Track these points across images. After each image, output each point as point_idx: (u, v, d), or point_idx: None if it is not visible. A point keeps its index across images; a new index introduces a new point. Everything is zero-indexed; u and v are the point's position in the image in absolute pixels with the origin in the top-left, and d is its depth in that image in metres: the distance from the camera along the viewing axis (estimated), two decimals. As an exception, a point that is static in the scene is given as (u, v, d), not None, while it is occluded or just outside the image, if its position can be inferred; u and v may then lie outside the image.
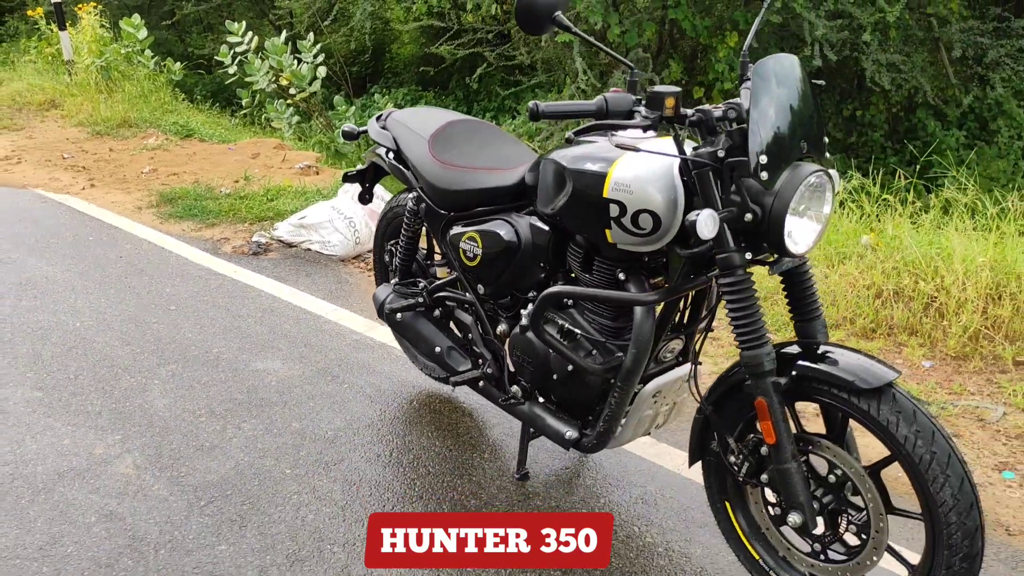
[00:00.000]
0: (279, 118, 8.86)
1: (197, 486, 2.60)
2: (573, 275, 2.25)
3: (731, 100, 1.85)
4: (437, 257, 2.95)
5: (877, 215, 3.87)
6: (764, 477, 1.96)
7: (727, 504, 2.13)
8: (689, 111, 1.82)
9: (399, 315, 2.72)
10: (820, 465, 1.92)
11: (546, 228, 2.27)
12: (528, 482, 2.60)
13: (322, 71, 8.67)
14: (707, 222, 1.73)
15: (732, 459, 2.01)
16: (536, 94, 9.79)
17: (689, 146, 1.88)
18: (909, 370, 3.06)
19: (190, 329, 3.70)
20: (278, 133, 8.70)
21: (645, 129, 1.82)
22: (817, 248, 3.72)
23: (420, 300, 2.71)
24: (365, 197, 3.08)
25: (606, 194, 1.97)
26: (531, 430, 2.54)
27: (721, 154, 1.80)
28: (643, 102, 1.82)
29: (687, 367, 2.22)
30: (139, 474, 2.66)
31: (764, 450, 1.94)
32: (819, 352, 1.87)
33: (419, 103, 11.81)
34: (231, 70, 9.00)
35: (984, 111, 10.50)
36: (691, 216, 1.74)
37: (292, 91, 8.77)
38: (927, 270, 3.32)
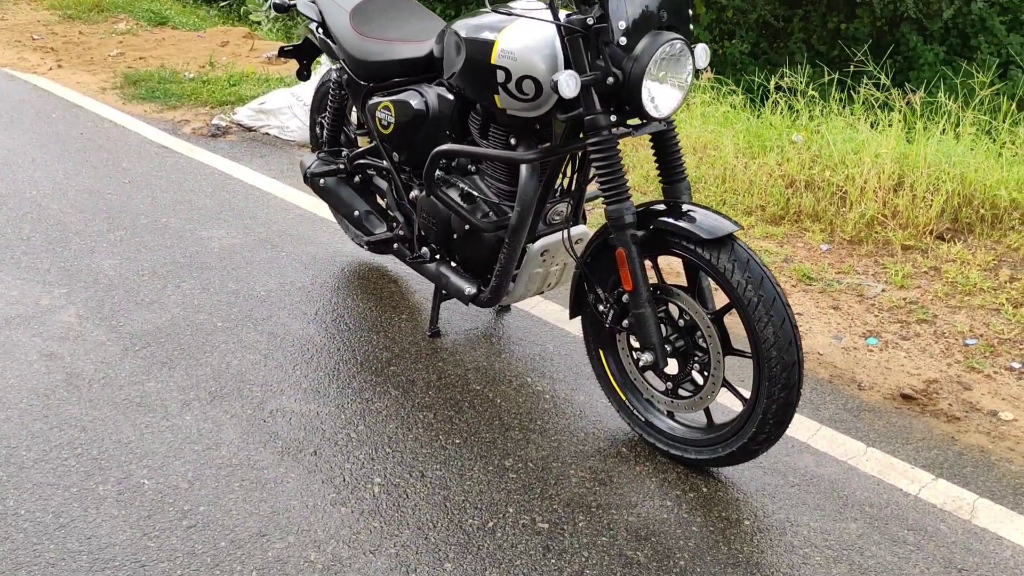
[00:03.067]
0: (257, 11, 8.81)
1: (133, 334, 2.81)
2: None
3: (609, -25, 1.99)
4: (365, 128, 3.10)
5: (807, 114, 4.02)
6: (626, 323, 2.18)
7: (601, 352, 2.36)
8: (564, -20, 1.96)
9: (322, 180, 2.89)
10: (676, 314, 2.13)
11: (451, 97, 2.43)
12: (439, 339, 2.82)
13: (301, -37, 8.57)
14: (568, 81, 1.89)
15: (602, 308, 2.23)
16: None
17: (566, 15, 2.02)
18: (807, 252, 3.27)
19: (142, 200, 3.87)
20: (256, 27, 8.67)
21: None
22: (744, 140, 3.89)
23: (341, 167, 2.88)
24: (302, 73, 3.21)
25: (493, 60, 2.12)
26: (443, 292, 2.75)
27: (591, 22, 1.95)
28: (519, -31, 1.96)
29: (575, 229, 2.42)
30: (80, 322, 2.87)
31: (626, 298, 2.14)
32: (679, 210, 2.06)
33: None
34: (208, -42, 8.89)
35: (967, 27, 10.46)
36: (555, 76, 1.90)
37: (271, -18, 8.70)
38: (839, 163, 3.49)
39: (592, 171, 2.34)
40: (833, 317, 2.89)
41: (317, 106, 3.19)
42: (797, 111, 4.03)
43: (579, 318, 2.38)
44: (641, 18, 1.91)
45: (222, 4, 9.72)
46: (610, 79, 1.94)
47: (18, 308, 2.93)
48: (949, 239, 3.26)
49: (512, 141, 2.27)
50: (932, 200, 3.25)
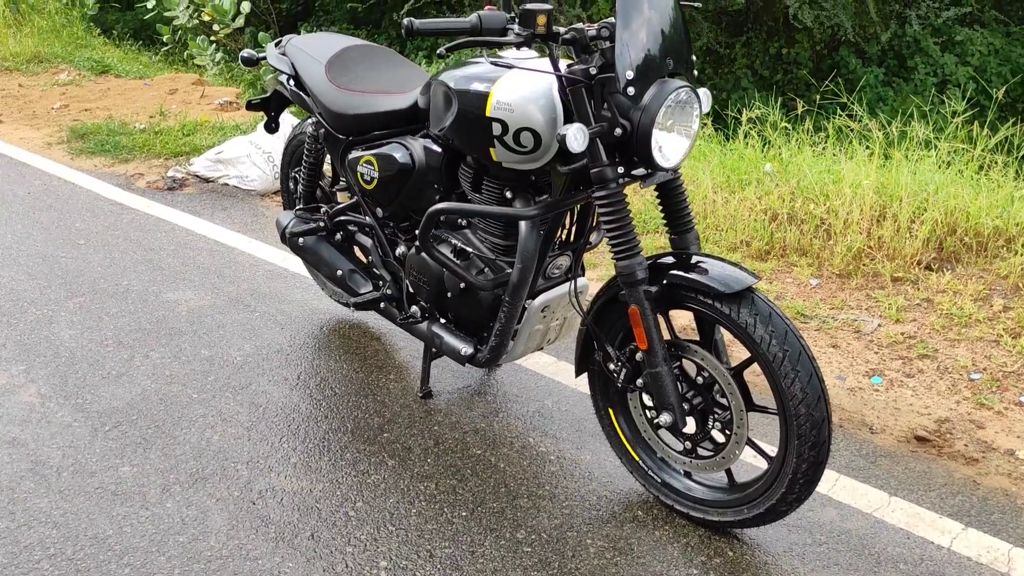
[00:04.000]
0: (202, 55, 8.62)
1: (102, 412, 2.62)
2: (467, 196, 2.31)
3: (605, 20, 1.91)
4: (342, 183, 2.97)
5: (779, 145, 4.00)
6: (640, 382, 2.07)
7: (611, 411, 2.25)
8: (562, 29, 1.87)
9: (301, 240, 2.75)
10: (692, 369, 2.04)
11: (439, 150, 2.32)
12: (431, 400, 2.68)
13: (246, 6, 8.40)
14: (576, 135, 1.80)
15: (612, 367, 2.12)
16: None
17: (565, 65, 1.94)
18: (797, 288, 3.22)
19: (100, 262, 3.66)
20: (201, 71, 8.47)
21: (518, 46, 1.87)
22: (721, 175, 3.85)
23: (321, 224, 2.75)
24: (271, 126, 3.07)
25: (488, 113, 2.02)
26: (433, 350, 2.61)
27: (593, 71, 1.86)
28: (516, 20, 1.86)
29: (577, 282, 2.31)
30: (43, 402, 2.67)
31: (640, 356, 2.04)
32: (690, 262, 1.97)
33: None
34: (150, 4, 8.68)
35: (903, 48, 10.76)
36: (561, 130, 1.80)
37: (216, 27, 8.51)
38: (819, 195, 3.46)
39: (594, 222, 2.25)
40: (834, 356, 2.83)
41: (289, 160, 3.06)
42: (769, 142, 4.01)
43: (585, 375, 2.27)
44: (647, 66, 1.83)
45: (164, 48, 9.49)
46: (618, 130, 1.85)
47: (-27, 390, 2.72)
48: (937, 269, 3.24)
49: (507, 194, 2.17)
50: (918, 231, 3.23)
